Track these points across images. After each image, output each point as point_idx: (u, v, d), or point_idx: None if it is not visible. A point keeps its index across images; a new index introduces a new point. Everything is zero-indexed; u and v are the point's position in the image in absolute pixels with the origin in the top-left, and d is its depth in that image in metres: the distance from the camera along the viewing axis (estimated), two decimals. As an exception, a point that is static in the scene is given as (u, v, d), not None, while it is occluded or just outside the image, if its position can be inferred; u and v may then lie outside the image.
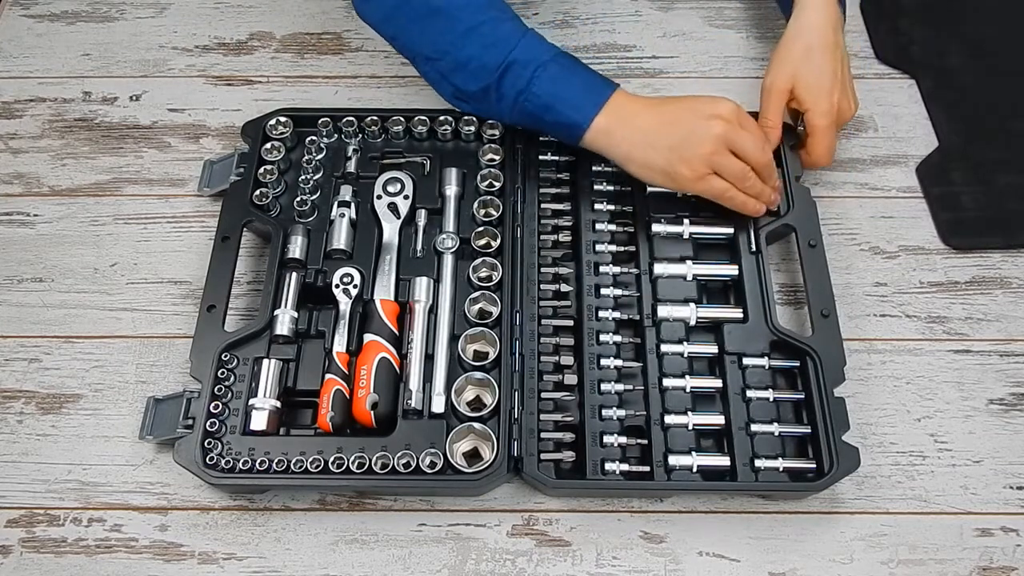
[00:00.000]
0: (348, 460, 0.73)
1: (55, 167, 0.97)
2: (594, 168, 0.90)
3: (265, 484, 0.75)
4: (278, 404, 0.76)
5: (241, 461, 0.73)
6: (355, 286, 0.83)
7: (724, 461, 0.75)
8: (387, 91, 1.02)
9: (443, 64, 0.85)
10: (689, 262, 0.84)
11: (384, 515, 0.76)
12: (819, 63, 0.88)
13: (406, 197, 0.88)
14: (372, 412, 0.76)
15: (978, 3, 1.09)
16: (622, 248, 0.86)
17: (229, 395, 0.77)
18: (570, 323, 0.82)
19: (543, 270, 0.84)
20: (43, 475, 0.78)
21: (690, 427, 0.77)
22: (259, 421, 0.75)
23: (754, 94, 1.00)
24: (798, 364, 0.79)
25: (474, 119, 0.92)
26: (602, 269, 0.84)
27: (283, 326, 0.80)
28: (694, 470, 0.75)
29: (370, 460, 0.73)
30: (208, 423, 0.74)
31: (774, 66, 0.90)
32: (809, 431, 0.76)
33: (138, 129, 0.99)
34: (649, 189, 0.88)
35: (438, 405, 0.77)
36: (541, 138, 0.91)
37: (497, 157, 0.91)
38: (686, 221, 0.86)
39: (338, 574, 0.73)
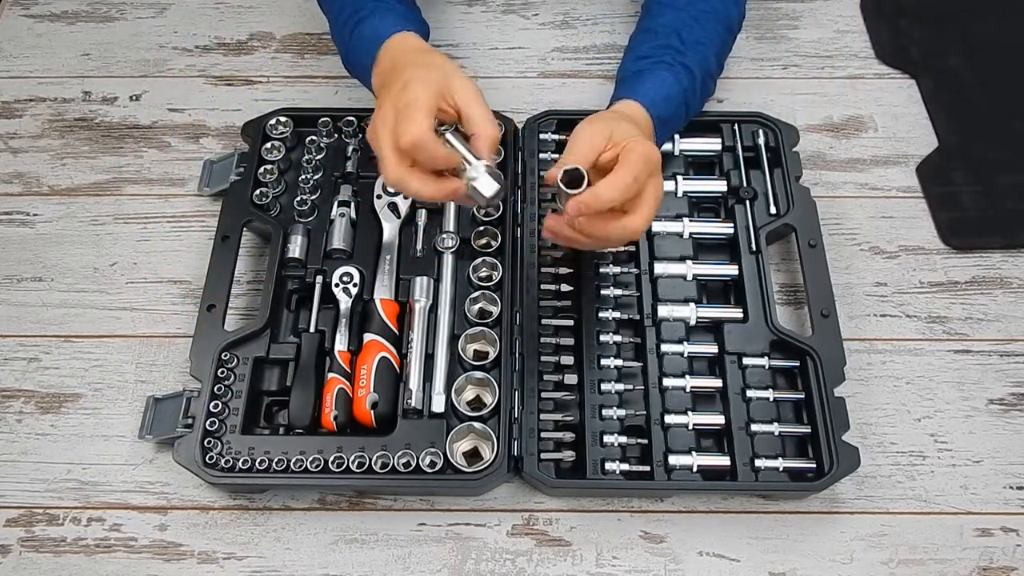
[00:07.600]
0: (348, 460, 0.73)
1: (55, 167, 0.97)
2: (594, 168, 0.90)
3: (265, 483, 0.75)
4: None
5: (241, 460, 0.73)
6: (355, 285, 0.83)
7: (724, 461, 0.75)
8: (387, 91, 1.02)
9: None
10: (689, 262, 0.84)
11: (384, 515, 0.76)
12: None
13: (406, 197, 0.88)
14: (372, 412, 0.76)
15: (978, 3, 1.10)
16: (622, 248, 0.86)
17: (229, 394, 0.77)
18: (570, 323, 0.82)
19: (543, 270, 0.84)
20: (42, 474, 0.78)
21: (690, 427, 0.77)
22: None
23: (754, 94, 1.01)
24: (798, 364, 0.79)
25: (474, 119, 0.92)
26: (602, 269, 0.84)
27: None
28: (694, 470, 0.75)
29: (370, 460, 0.73)
30: (208, 422, 0.74)
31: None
32: (809, 431, 0.76)
33: (138, 129, 0.99)
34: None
35: (438, 405, 0.77)
36: (541, 136, 0.91)
37: (497, 157, 0.90)
38: (686, 220, 0.86)
39: (338, 574, 0.73)
